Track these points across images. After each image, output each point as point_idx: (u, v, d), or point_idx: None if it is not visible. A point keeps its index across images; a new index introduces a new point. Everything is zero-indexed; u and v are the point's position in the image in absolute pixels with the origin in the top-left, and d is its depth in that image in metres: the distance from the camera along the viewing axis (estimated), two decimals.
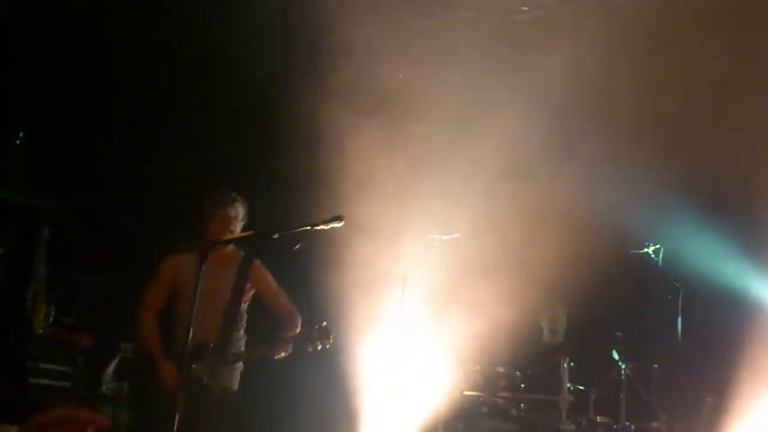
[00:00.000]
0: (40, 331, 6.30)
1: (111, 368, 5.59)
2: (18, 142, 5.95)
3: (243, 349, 5.13)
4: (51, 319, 6.37)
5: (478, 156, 6.87)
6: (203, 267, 4.29)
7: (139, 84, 6.39)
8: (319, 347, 4.96)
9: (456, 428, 6.77)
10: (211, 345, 4.90)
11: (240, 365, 5.18)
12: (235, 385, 5.16)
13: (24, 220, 6.33)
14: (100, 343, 6.03)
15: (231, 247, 5.09)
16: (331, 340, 4.99)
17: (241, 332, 5.17)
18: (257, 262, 5.23)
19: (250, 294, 5.21)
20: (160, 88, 6.42)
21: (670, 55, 6.17)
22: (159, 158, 6.49)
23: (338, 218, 4.67)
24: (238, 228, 5.14)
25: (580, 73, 6.48)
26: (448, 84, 6.79)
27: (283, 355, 5.01)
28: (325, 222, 4.63)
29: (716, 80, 6.17)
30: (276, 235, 4.49)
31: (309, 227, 4.55)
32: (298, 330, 5.16)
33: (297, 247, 4.47)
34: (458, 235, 6.85)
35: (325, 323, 5.01)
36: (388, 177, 6.91)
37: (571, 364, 6.70)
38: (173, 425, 4.21)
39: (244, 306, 5.19)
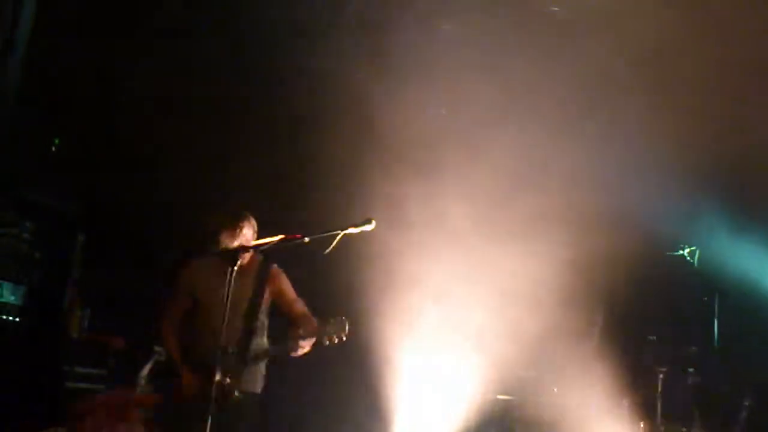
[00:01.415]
0: (75, 335, 6.38)
1: (145, 371, 5.61)
2: (54, 148, 6.03)
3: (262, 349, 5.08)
4: (86, 323, 6.45)
5: (505, 155, 6.82)
6: (230, 275, 4.32)
7: (168, 88, 6.44)
8: (336, 341, 4.84)
9: None
10: (230, 349, 4.88)
11: (262, 368, 5.14)
12: (258, 389, 5.12)
13: (60, 225, 6.41)
14: (134, 346, 6.07)
15: (250, 252, 5.04)
16: (347, 332, 4.85)
17: (263, 339, 5.13)
18: (276, 267, 5.20)
19: (269, 300, 5.17)
20: (189, 92, 6.47)
21: (706, 53, 6.08)
22: (192, 163, 6.54)
23: (369, 221, 4.69)
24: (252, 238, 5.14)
25: (611, 70, 6.42)
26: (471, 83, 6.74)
27: (301, 352, 4.91)
28: (356, 225, 4.65)
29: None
30: (307, 240, 4.52)
31: (340, 231, 4.58)
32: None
33: (328, 251, 4.50)
34: None
35: (343, 317, 4.89)
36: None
37: (606, 368, 6.65)
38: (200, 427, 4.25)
39: (264, 311, 5.16)
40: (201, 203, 5.87)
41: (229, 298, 4.40)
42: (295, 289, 5.26)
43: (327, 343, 4.85)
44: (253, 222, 5.18)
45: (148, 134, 6.39)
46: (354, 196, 6.33)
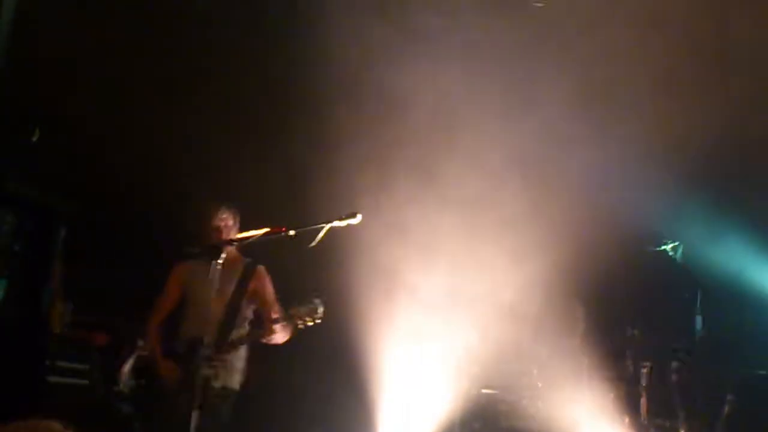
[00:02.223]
0: (57, 329, 6.34)
1: (128, 366, 5.62)
2: (34, 139, 5.97)
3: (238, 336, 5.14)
4: (68, 318, 6.41)
5: (489, 153, 6.82)
6: (215, 266, 4.32)
7: (156, 81, 6.40)
8: (309, 323, 4.92)
9: (473, 427, 6.73)
10: (209, 341, 4.88)
11: (241, 363, 5.22)
12: (237, 384, 5.21)
13: (40, 218, 6.37)
14: (117, 341, 6.04)
15: (235, 251, 5.15)
16: (320, 315, 4.93)
17: (244, 331, 5.21)
18: (261, 267, 5.33)
19: (251, 296, 5.27)
20: (176, 85, 6.43)
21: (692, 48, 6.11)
22: (176, 155, 6.50)
23: (354, 215, 4.67)
24: (231, 235, 5.17)
25: (595, 68, 6.44)
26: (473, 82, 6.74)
27: (276, 338, 5.00)
28: (341, 218, 4.63)
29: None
30: (293, 233, 4.50)
31: (325, 224, 4.56)
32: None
33: (313, 244, 4.47)
34: None
35: (317, 299, 4.96)
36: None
37: (591, 362, 6.67)
38: (181, 419, 4.36)
39: (247, 306, 5.26)
40: (187, 196, 5.86)
41: (213, 292, 4.44)
42: (282, 284, 5.29)
43: (301, 325, 4.91)
44: (234, 212, 5.23)
45: (132, 126, 6.35)
46: (343, 189, 6.31)
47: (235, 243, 4.87)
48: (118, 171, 6.57)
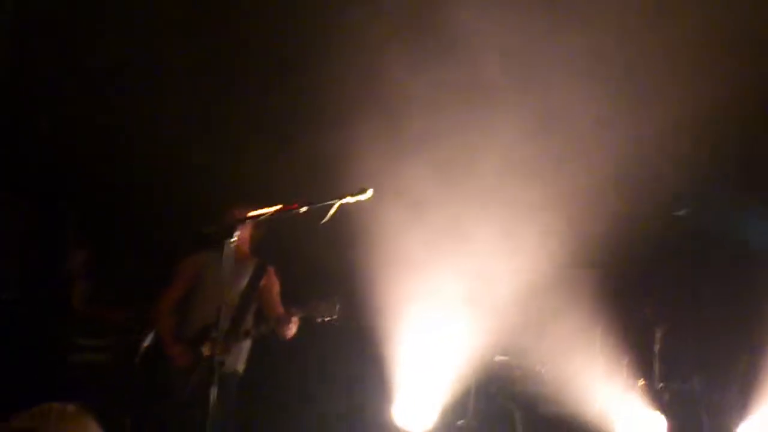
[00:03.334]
0: (77, 307, 6.44)
1: (146, 342, 5.71)
2: (43, 125, 6.01)
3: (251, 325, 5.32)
4: (88, 296, 6.50)
5: (508, 121, 6.77)
6: (228, 245, 4.37)
7: (168, 68, 6.40)
8: (327, 319, 5.12)
9: (489, 392, 6.81)
10: (221, 326, 4.99)
11: (246, 348, 5.39)
12: (240, 368, 5.38)
13: (52, 201, 6.44)
14: (136, 318, 6.13)
15: (246, 251, 5.37)
16: (337, 312, 5.12)
17: (251, 320, 5.36)
18: (271, 268, 5.50)
19: (260, 292, 5.43)
20: (188, 71, 6.43)
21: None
22: (188, 138, 6.53)
23: (364, 190, 4.67)
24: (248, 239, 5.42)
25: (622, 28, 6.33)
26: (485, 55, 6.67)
27: (291, 332, 5.18)
28: (352, 194, 4.64)
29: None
30: (304, 209, 4.52)
31: (336, 200, 4.57)
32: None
33: (324, 221, 4.50)
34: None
35: (334, 298, 5.14)
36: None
37: (605, 326, 6.71)
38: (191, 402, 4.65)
39: (257, 300, 5.41)
40: (205, 177, 5.91)
41: (228, 275, 4.49)
42: (295, 269, 5.41)
43: (319, 321, 5.15)
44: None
45: (144, 108, 6.37)
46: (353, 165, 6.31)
47: (246, 221, 4.89)
48: (136, 153, 6.61)
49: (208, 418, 4.14)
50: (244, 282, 5.32)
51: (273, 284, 5.51)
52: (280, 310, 5.41)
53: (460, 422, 6.60)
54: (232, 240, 4.44)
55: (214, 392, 4.32)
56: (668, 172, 6.99)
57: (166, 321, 5.40)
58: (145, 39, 6.25)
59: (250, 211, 5.06)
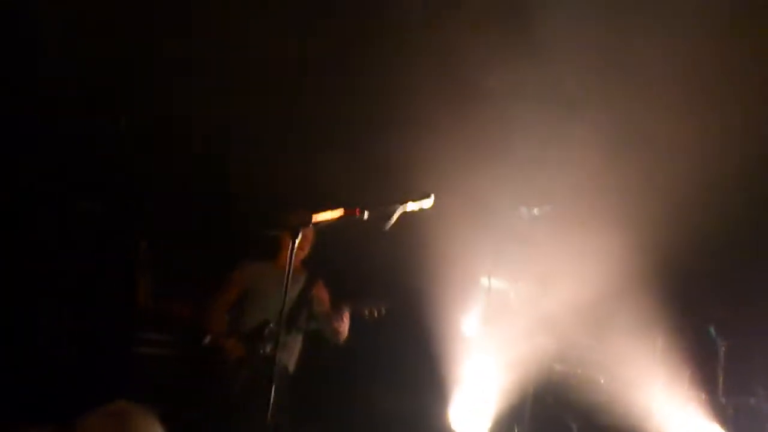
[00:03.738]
0: (143, 302, 6.60)
1: (206, 340, 5.82)
2: (122, 126, 6.19)
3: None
4: (153, 292, 6.66)
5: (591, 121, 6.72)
6: (291, 248, 4.45)
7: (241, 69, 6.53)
8: (376, 314, 5.31)
9: (546, 401, 6.76)
10: (273, 325, 5.30)
11: (298, 348, 5.53)
12: (292, 366, 5.52)
13: (122, 195, 6.61)
14: (200, 312, 6.26)
15: (299, 263, 5.50)
16: (386, 307, 5.30)
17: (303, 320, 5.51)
18: (320, 280, 5.65)
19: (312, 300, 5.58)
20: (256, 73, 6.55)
21: None
22: (258, 139, 6.65)
23: (427, 195, 4.70)
24: (306, 249, 5.53)
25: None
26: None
27: (344, 328, 5.33)
28: (414, 200, 4.67)
29: None
30: (366, 214, 4.57)
31: (398, 205, 4.60)
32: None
33: (386, 227, 4.53)
34: (549, 207, 6.77)
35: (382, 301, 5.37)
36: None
37: (666, 339, 6.60)
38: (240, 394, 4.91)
39: (308, 306, 5.54)
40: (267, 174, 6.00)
41: (275, 292, 4.63)
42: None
43: (367, 316, 5.35)
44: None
45: (216, 107, 6.50)
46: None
47: (310, 224, 4.96)
48: (206, 151, 6.76)
49: (264, 412, 4.24)
50: (295, 293, 5.45)
51: (323, 295, 5.65)
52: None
53: (516, 430, 6.57)
54: (296, 241, 4.55)
55: (272, 388, 4.43)
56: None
57: (218, 322, 5.58)
58: (220, 37, 6.37)
59: (308, 216, 5.21)
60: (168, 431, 2.27)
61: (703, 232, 6.93)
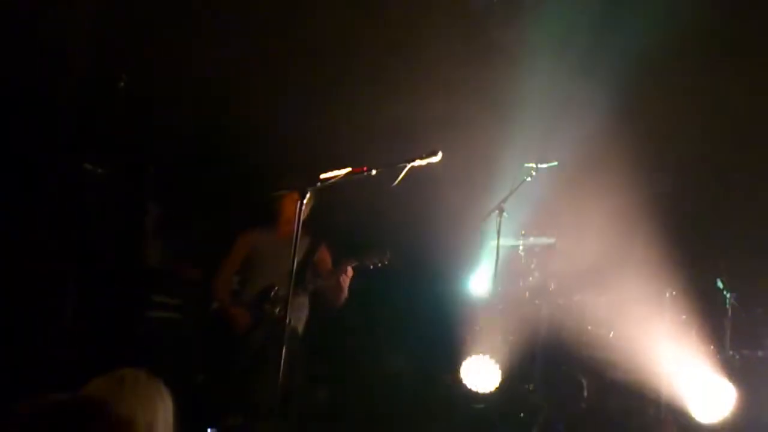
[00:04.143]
0: (152, 264, 6.61)
1: (215, 305, 5.84)
2: (122, 84, 6.13)
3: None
4: (161, 254, 6.67)
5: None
6: (299, 206, 4.43)
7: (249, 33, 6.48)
8: (379, 264, 5.31)
9: (555, 358, 6.79)
10: (277, 288, 5.33)
11: (305, 314, 5.56)
12: (301, 328, 5.54)
13: (131, 158, 6.58)
14: (208, 275, 6.27)
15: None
16: (389, 258, 5.29)
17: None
18: (324, 244, 5.62)
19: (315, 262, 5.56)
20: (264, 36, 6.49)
21: None
22: (265, 103, 6.61)
23: (434, 153, 4.67)
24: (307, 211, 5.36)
25: None
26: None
27: (344, 283, 5.31)
28: (422, 157, 4.64)
29: None
30: (375, 172, 4.54)
31: (406, 163, 4.58)
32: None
33: (395, 184, 4.51)
34: (555, 163, 6.73)
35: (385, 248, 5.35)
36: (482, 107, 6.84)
37: (674, 293, 6.60)
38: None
39: (311, 268, 5.51)
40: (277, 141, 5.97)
41: (279, 255, 4.85)
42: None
43: (371, 267, 5.32)
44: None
45: (224, 71, 6.45)
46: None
47: (317, 183, 4.93)
48: (208, 115, 6.73)
49: (276, 374, 4.25)
50: (300, 256, 5.36)
51: (326, 259, 5.64)
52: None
53: (528, 386, 6.61)
54: (304, 201, 4.53)
55: (283, 350, 4.45)
56: None
57: (224, 290, 5.61)
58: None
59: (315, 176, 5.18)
60: (176, 395, 2.26)
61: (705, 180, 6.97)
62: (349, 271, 5.30)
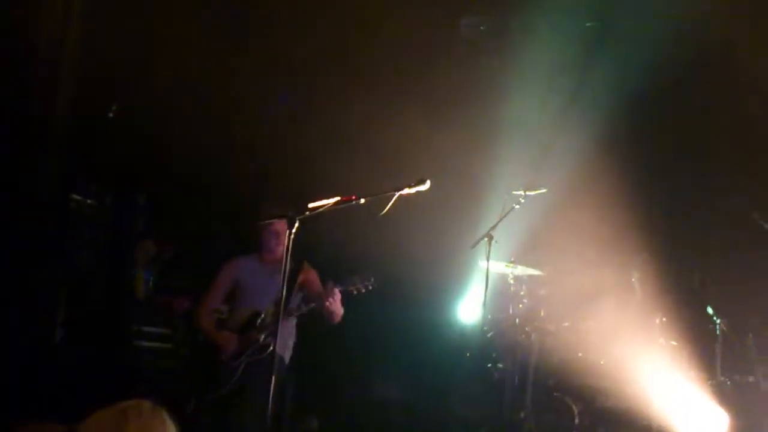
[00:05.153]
0: (141, 296, 6.60)
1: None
2: (111, 114, 6.16)
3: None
4: (151, 284, 6.66)
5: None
6: (288, 237, 4.44)
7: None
8: (363, 291, 5.28)
9: (547, 384, 6.77)
10: (266, 315, 5.34)
11: (291, 342, 5.56)
12: (287, 354, 5.53)
13: (121, 188, 6.59)
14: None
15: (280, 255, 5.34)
16: (373, 283, 5.27)
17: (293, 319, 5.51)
18: (305, 261, 5.58)
19: (300, 284, 5.55)
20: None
21: None
22: (254, 129, 6.64)
23: (423, 181, 4.69)
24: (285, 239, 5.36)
25: None
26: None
27: (337, 307, 5.30)
28: (410, 186, 4.66)
29: None
30: (363, 200, 4.56)
31: (394, 191, 4.60)
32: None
33: (383, 212, 4.53)
34: (544, 190, 6.76)
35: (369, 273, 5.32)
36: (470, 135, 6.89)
37: (664, 319, 6.61)
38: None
39: (295, 296, 5.50)
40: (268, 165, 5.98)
41: (260, 285, 4.98)
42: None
43: (355, 292, 5.28)
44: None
45: (210, 99, 6.49)
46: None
47: (307, 213, 4.95)
48: (197, 145, 6.75)
49: (265, 399, 4.24)
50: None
51: (311, 276, 5.62)
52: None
53: (521, 414, 6.59)
54: (293, 231, 4.53)
55: (272, 377, 4.44)
56: None
57: (206, 320, 5.60)
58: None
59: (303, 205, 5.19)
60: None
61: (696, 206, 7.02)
62: (336, 293, 5.30)
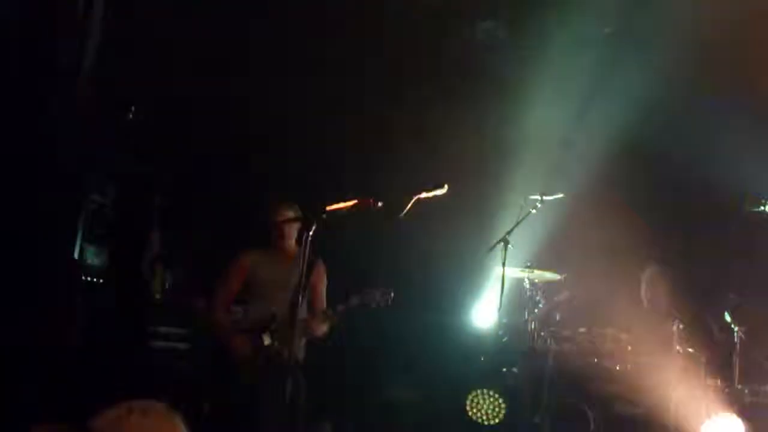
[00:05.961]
0: (158, 296, 6.62)
1: None
2: (131, 116, 6.19)
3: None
4: (168, 284, 6.67)
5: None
6: (305, 239, 4.43)
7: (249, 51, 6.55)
8: (382, 305, 5.29)
9: (560, 390, 6.74)
10: (279, 317, 5.29)
11: (303, 341, 5.50)
12: (300, 357, 5.46)
13: (137, 188, 6.62)
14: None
15: (296, 246, 5.45)
16: (391, 298, 5.29)
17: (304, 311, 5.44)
18: (321, 262, 5.59)
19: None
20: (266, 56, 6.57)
21: None
22: (270, 124, 6.66)
23: (440, 186, 4.71)
24: (293, 231, 5.50)
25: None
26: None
27: (322, 330, 5.39)
28: (428, 189, 4.67)
29: None
30: (381, 204, 4.57)
31: (412, 195, 4.61)
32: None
33: (401, 216, 4.54)
34: (561, 195, 6.74)
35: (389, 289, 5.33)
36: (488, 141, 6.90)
37: (681, 326, 6.57)
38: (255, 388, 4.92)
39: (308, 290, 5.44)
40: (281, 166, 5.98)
41: (277, 280, 5.03)
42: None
43: (373, 306, 5.30)
44: (295, 209, 5.51)
45: (225, 97, 6.51)
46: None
47: (324, 215, 4.95)
48: (215, 139, 6.78)
49: (279, 403, 4.24)
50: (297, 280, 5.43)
51: (321, 279, 5.62)
52: (322, 305, 5.55)
53: (534, 419, 6.56)
54: (310, 233, 4.54)
55: (287, 380, 4.45)
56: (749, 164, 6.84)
57: (221, 316, 5.58)
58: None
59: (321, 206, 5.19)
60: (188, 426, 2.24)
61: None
62: (325, 323, 5.38)
